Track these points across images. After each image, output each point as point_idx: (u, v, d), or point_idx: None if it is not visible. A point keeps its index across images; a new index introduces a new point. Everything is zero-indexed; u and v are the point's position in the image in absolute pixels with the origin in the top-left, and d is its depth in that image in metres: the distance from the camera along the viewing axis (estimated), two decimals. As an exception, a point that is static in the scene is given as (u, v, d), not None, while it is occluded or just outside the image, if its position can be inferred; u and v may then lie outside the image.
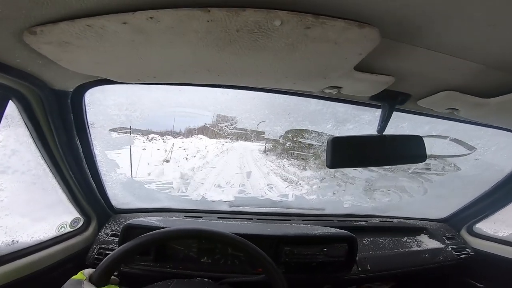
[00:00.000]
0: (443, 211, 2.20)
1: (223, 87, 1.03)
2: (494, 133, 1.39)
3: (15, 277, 1.13)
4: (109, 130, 1.55)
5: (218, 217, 1.87)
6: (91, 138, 1.30)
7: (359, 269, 1.66)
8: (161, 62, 0.77)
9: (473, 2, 0.51)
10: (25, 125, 1.07)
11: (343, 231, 1.58)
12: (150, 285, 1.16)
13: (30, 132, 1.10)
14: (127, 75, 0.88)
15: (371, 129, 1.24)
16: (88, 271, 1.01)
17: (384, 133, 1.11)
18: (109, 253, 1.49)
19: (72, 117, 1.12)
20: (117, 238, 1.58)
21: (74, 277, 0.97)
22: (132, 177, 1.87)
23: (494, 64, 0.76)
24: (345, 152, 1.09)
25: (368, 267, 1.68)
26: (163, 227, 1.19)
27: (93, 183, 1.47)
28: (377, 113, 1.17)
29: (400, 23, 0.60)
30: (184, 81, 0.91)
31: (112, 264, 1.01)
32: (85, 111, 1.17)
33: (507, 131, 1.32)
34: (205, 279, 1.30)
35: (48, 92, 0.97)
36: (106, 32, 0.60)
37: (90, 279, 0.97)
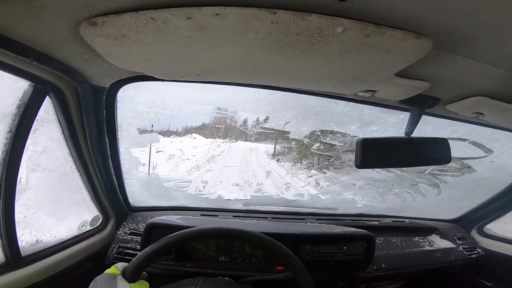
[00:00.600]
0: (454, 211, 2.23)
1: (258, 87, 1.04)
2: (511, 136, 1.42)
3: (39, 279, 1.12)
4: (137, 127, 1.55)
5: (234, 216, 1.88)
6: (118, 135, 1.30)
7: (374, 267, 1.69)
8: (209, 61, 0.77)
9: None
10: (58, 121, 1.07)
11: (362, 230, 1.60)
12: (178, 281, 1.17)
13: (62, 129, 1.10)
14: (171, 72, 0.89)
15: (394, 131, 1.26)
16: (121, 265, 1.00)
17: (411, 136, 1.13)
18: (128, 252, 1.52)
19: (105, 113, 1.12)
20: (136, 237, 1.59)
21: (108, 270, 0.97)
22: (151, 174, 1.87)
23: None
24: (374, 153, 1.11)
25: (383, 265, 1.71)
26: (186, 226, 1.20)
27: (115, 181, 1.47)
28: (401, 115, 1.19)
29: (450, 34, 0.63)
30: (227, 80, 0.92)
31: (146, 259, 1.02)
32: (117, 108, 1.18)
33: None
34: (226, 278, 1.31)
35: (86, 88, 0.97)
36: (168, 26, 0.60)
37: (123, 273, 0.97)
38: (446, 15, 0.56)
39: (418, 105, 1.08)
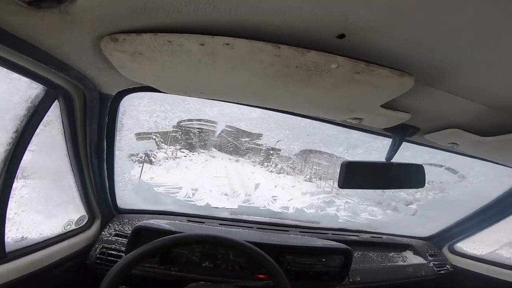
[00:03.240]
0: (428, 230, 2.36)
1: (255, 107, 1.11)
2: (485, 165, 1.54)
3: (19, 275, 1.14)
4: (135, 133, 1.58)
5: (220, 224, 1.93)
6: (116, 140, 1.34)
7: (350, 279, 1.77)
8: (215, 82, 0.84)
9: (492, 52, 0.60)
10: (61, 124, 1.10)
11: (341, 244, 1.68)
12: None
13: (64, 130, 1.13)
14: (177, 88, 0.94)
15: (377, 155, 1.35)
16: None
17: (391, 161, 1.23)
18: (112, 253, 1.52)
19: (107, 119, 1.16)
20: (121, 238, 1.60)
21: None
22: (142, 179, 1.88)
23: (498, 105, 0.87)
24: (356, 175, 1.20)
25: (359, 278, 1.80)
26: (174, 231, 1.23)
27: (107, 183, 1.49)
28: (385, 141, 1.29)
29: (431, 70, 0.71)
30: (227, 99, 0.99)
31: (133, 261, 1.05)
32: (119, 114, 1.22)
33: (500, 165, 1.48)
34: (209, 283, 1.34)
35: (94, 94, 1.01)
36: (181, 49, 0.66)
37: None
38: (428, 54, 0.63)
39: (400, 133, 1.18)
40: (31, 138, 1.00)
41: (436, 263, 2.11)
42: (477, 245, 2.12)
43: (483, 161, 1.47)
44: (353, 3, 0.49)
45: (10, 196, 1.04)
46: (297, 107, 1.01)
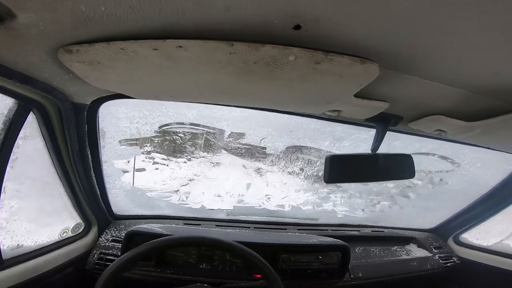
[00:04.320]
0: (431, 221, 2.31)
1: (231, 106, 1.10)
2: (479, 151, 1.50)
3: (18, 281, 1.16)
4: (119, 140, 1.60)
5: (216, 225, 1.93)
6: (100, 148, 1.35)
7: (351, 276, 1.74)
8: (181, 85, 0.83)
9: (459, 36, 0.58)
10: (41, 135, 1.12)
11: (337, 240, 1.66)
12: None
13: (45, 142, 1.15)
14: (146, 93, 0.94)
15: (365, 147, 1.32)
16: None
17: (377, 152, 1.20)
18: (110, 258, 1.55)
19: (86, 128, 1.17)
20: (118, 244, 1.62)
21: None
22: (134, 185, 1.91)
23: (477, 90, 0.84)
24: (341, 169, 1.18)
25: (360, 275, 1.76)
26: (166, 234, 1.23)
27: (97, 190, 1.51)
28: (371, 132, 1.26)
29: (396, 56, 0.68)
30: (199, 101, 0.98)
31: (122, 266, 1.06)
32: (98, 123, 1.23)
33: (491, 149, 1.43)
34: (205, 285, 1.35)
35: (67, 105, 1.02)
36: (137, 56, 0.65)
37: None
38: (389, 39, 0.61)
39: (382, 123, 1.15)
40: (11, 150, 1.02)
41: (442, 255, 2.05)
42: (483, 235, 2.06)
43: (477, 148, 1.42)
44: None
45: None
46: (271, 103, 0.99)
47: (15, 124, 0.99)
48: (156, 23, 0.58)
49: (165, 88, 0.87)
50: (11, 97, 0.93)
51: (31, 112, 1.04)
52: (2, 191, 1.07)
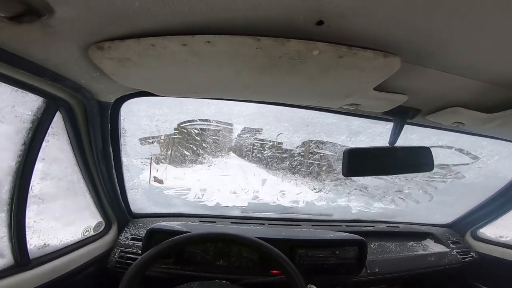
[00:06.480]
0: (448, 216, 2.28)
1: (250, 102, 1.12)
2: (496, 144, 1.48)
3: (44, 281, 1.18)
4: (139, 138, 1.63)
5: (232, 222, 1.95)
6: (121, 146, 1.38)
7: (368, 271, 1.74)
8: (205, 80, 0.86)
9: (477, 28, 0.59)
10: (67, 134, 1.16)
11: (354, 235, 1.66)
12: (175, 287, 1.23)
13: (70, 141, 1.19)
14: (170, 90, 0.97)
15: (382, 140, 1.32)
16: None
17: (395, 145, 1.20)
18: (130, 256, 1.58)
19: (109, 127, 1.20)
20: (137, 242, 1.65)
21: None
22: (151, 183, 1.94)
23: (496, 81, 0.84)
24: (360, 162, 1.18)
25: (377, 270, 1.76)
26: (185, 232, 1.25)
27: (118, 189, 1.55)
28: (388, 126, 1.26)
29: (417, 50, 0.70)
30: (220, 96, 1.00)
31: (141, 267, 1.08)
32: (120, 121, 1.26)
33: (509, 141, 1.41)
34: (224, 281, 1.36)
35: (93, 103, 1.06)
36: (166, 51, 0.68)
37: None
38: (411, 33, 0.62)
39: (400, 116, 1.15)
40: (39, 149, 1.05)
41: (459, 250, 2.03)
42: (501, 230, 2.03)
43: (494, 140, 1.40)
44: None
45: (27, 205, 1.10)
46: (290, 98, 1.01)
47: (42, 123, 1.02)
48: (185, 19, 0.60)
49: (189, 84, 0.89)
50: (40, 96, 0.96)
51: (57, 111, 1.07)
52: (29, 189, 1.10)
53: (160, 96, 1.04)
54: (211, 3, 0.55)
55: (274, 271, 1.52)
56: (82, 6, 0.55)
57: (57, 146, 1.16)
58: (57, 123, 1.11)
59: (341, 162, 1.20)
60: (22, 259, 1.12)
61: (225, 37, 0.62)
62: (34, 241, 1.22)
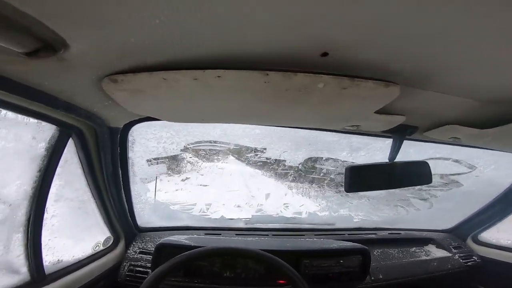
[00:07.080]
0: (448, 222, 2.32)
1: (254, 124, 1.17)
2: (493, 153, 1.52)
3: None
4: (146, 160, 1.68)
5: (236, 234, 1.97)
6: (129, 167, 1.43)
7: (372, 278, 1.77)
8: (214, 109, 0.90)
9: (472, 52, 0.61)
10: (78, 158, 1.20)
11: (357, 244, 1.69)
12: None
13: (82, 164, 1.23)
14: (179, 117, 1.01)
15: (381, 155, 1.36)
16: None
17: (395, 160, 1.24)
18: (139, 269, 1.62)
19: (119, 150, 1.25)
20: (145, 255, 1.68)
21: None
22: (157, 198, 1.98)
23: (489, 99, 0.88)
24: (361, 178, 1.23)
25: (380, 276, 1.79)
26: (194, 246, 1.29)
27: (126, 206, 1.59)
28: (387, 141, 1.30)
29: (415, 75, 0.73)
30: (227, 122, 1.05)
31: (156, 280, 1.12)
32: (128, 144, 1.31)
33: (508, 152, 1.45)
34: None
35: (104, 129, 1.10)
36: (178, 85, 0.70)
37: None
38: (409, 62, 0.66)
39: (399, 134, 1.19)
40: (53, 175, 1.09)
41: (461, 255, 2.06)
42: (502, 234, 2.06)
43: (491, 150, 1.45)
44: (333, 24, 0.51)
45: (43, 225, 1.14)
46: (293, 123, 1.05)
47: (56, 150, 1.07)
48: (197, 53, 0.62)
49: (198, 112, 0.93)
50: (55, 124, 1.01)
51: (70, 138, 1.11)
52: (45, 211, 1.15)
53: (169, 121, 1.09)
54: (223, 38, 0.56)
55: (281, 281, 1.55)
56: (96, 41, 0.56)
57: (68, 170, 1.20)
58: (69, 148, 1.15)
59: (342, 175, 1.24)
60: (39, 275, 1.16)
61: (235, 72, 0.64)
62: (49, 258, 1.26)
